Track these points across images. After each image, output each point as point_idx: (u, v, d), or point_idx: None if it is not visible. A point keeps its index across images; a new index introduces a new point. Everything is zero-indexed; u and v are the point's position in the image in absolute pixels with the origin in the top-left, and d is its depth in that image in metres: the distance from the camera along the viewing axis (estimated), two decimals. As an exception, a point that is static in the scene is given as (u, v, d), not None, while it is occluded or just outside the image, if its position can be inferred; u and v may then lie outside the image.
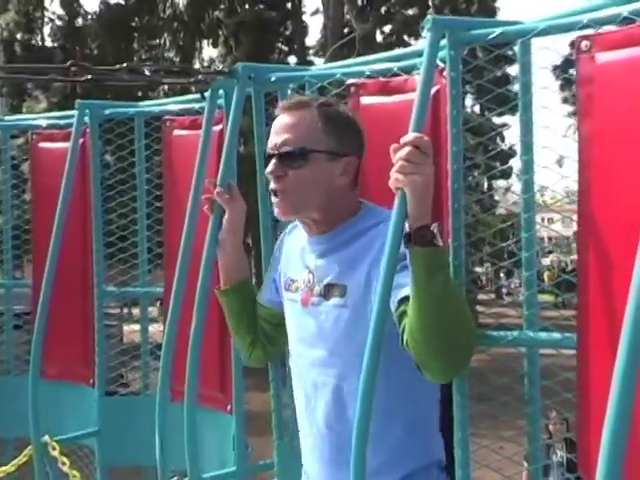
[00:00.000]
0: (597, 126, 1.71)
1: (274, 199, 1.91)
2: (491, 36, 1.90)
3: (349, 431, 1.70)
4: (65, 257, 3.21)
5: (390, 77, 2.32)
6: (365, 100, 2.38)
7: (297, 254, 2.01)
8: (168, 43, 19.52)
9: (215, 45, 19.92)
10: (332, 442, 1.90)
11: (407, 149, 1.65)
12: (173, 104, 3.25)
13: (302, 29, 20.19)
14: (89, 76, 2.38)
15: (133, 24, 19.03)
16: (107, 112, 3.33)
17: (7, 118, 4.36)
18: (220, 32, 19.37)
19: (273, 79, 2.56)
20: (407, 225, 1.67)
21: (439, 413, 1.94)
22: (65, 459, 3.05)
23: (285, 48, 19.97)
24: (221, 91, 2.64)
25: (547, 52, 1.96)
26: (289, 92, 2.63)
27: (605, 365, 1.47)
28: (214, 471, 2.70)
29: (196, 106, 3.04)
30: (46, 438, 3.07)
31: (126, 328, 10.19)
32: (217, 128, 2.74)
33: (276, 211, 1.93)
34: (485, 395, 2.68)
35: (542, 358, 1.98)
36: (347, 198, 1.91)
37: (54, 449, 3.03)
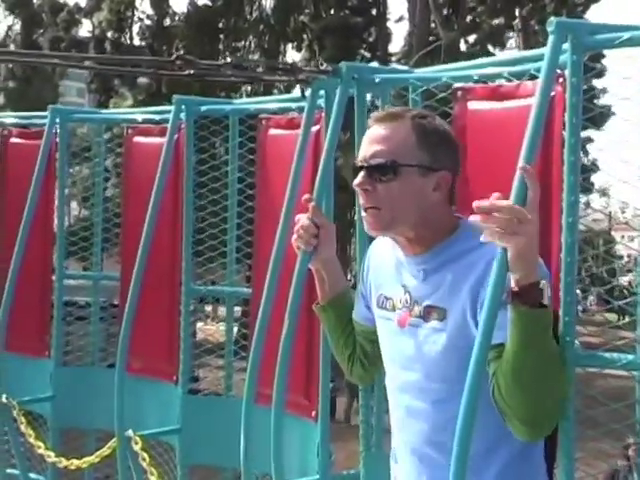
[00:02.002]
0: None
1: (363, 214, 1.81)
2: (618, 40, 1.80)
3: (448, 459, 1.63)
4: (154, 252, 3.21)
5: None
6: (473, 105, 2.30)
7: (391, 270, 1.90)
8: (253, 45, 19.72)
9: (299, 49, 20.06)
10: (431, 469, 1.82)
11: (510, 204, 1.54)
12: (270, 103, 3.22)
13: (386, 36, 20.13)
14: (192, 71, 2.36)
15: (220, 25, 19.28)
16: (203, 109, 3.32)
17: (103, 111, 4.42)
18: (305, 36, 19.48)
19: (377, 80, 2.50)
20: (512, 280, 1.55)
21: (543, 442, 1.84)
22: (145, 455, 3.04)
23: (367, 54, 19.93)
24: (321, 91, 2.59)
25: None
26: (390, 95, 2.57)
27: None
28: (294, 478, 2.65)
29: (293, 105, 3.00)
30: (130, 432, 3.07)
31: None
32: (314, 129, 2.69)
33: (366, 226, 1.83)
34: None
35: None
36: (442, 215, 1.80)
37: (136, 444, 3.03)
